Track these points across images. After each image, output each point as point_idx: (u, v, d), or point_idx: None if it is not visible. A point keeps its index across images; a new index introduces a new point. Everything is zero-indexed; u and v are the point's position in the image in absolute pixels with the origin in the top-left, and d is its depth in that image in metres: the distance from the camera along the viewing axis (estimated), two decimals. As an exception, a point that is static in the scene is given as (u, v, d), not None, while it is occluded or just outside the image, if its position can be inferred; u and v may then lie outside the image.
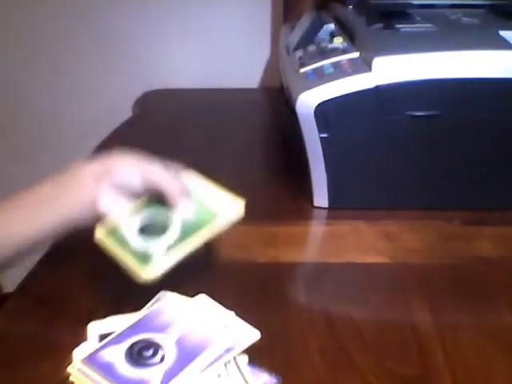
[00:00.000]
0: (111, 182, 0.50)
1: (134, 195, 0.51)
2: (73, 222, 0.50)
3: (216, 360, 0.42)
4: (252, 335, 0.45)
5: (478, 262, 0.59)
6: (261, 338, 0.44)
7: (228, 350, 0.43)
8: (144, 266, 0.46)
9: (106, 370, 0.42)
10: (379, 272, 0.57)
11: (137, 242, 0.49)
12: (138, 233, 0.50)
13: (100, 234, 0.50)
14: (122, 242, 0.49)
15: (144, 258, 0.47)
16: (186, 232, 0.49)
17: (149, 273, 0.46)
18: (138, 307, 0.49)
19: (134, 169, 0.50)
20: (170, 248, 0.47)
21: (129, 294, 0.51)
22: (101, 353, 0.44)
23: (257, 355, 0.44)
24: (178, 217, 0.50)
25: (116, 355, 0.43)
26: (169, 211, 0.50)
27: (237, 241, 0.61)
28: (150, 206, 0.51)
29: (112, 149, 0.52)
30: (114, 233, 0.50)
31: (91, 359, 0.43)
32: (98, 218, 0.49)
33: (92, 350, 0.44)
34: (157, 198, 0.51)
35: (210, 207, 0.51)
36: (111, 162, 0.51)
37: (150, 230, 0.50)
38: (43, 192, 0.51)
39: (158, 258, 0.47)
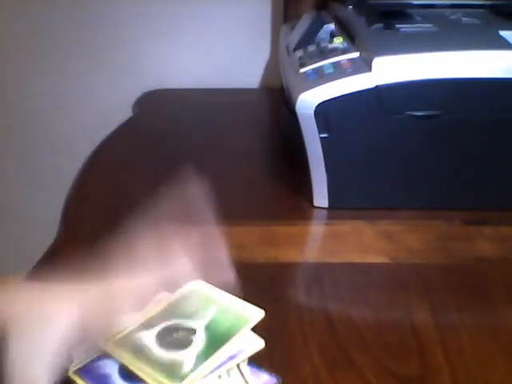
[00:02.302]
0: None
1: None
2: None
3: (218, 367, 0.42)
4: (256, 344, 0.44)
5: (478, 262, 0.59)
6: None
7: (231, 358, 0.43)
8: (174, 378, 0.41)
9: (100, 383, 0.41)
10: (379, 272, 0.57)
11: (160, 352, 0.43)
12: (157, 343, 0.44)
13: (109, 346, 0.44)
14: (140, 352, 0.43)
15: (172, 369, 0.42)
16: (214, 340, 0.44)
17: None
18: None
19: None
20: (198, 357, 0.43)
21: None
22: (97, 363, 0.42)
23: (257, 355, 0.44)
24: (201, 324, 0.46)
25: (111, 367, 0.42)
26: (183, 320, 0.46)
27: (236, 240, 0.61)
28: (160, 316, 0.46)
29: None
30: (126, 343, 0.44)
31: (85, 371, 0.42)
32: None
33: (87, 360, 0.43)
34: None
35: (232, 313, 0.47)
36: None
37: (168, 339, 0.45)
38: None
39: (190, 368, 0.42)
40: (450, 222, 0.65)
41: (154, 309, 0.47)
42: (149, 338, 0.44)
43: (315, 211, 0.68)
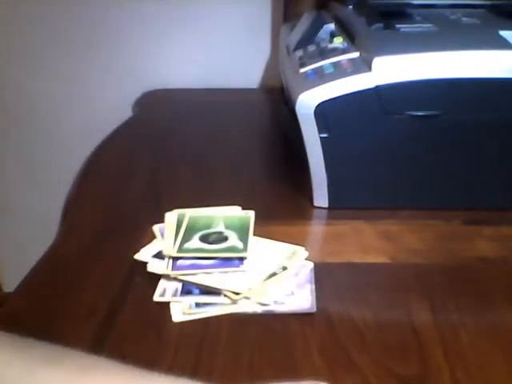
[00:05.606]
0: None
1: None
2: None
3: None
4: None
5: (478, 261, 0.59)
6: (260, 338, 0.44)
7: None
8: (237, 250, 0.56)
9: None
10: (379, 272, 0.57)
11: (212, 246, 0.56)
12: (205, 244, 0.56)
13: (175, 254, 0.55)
14: (202, 250, 0.55)
15: (232, 249, 0.56)
16: (239, 232, 0.58)
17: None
18: (141, 298, 0.50)
19: None
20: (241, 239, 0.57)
21: (131, 288, 0.51)
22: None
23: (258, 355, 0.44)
24: (221, 228, 0.59)
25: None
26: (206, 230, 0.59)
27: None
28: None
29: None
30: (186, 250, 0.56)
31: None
32: None
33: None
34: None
35: (234, 217, 0.61)
36: None
37: (209, 241, 0.57)
38: None
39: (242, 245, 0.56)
40: (450, 222, 0.65)
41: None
42: (198, 244, 0.56)
43: (315, 211, 0.68)
